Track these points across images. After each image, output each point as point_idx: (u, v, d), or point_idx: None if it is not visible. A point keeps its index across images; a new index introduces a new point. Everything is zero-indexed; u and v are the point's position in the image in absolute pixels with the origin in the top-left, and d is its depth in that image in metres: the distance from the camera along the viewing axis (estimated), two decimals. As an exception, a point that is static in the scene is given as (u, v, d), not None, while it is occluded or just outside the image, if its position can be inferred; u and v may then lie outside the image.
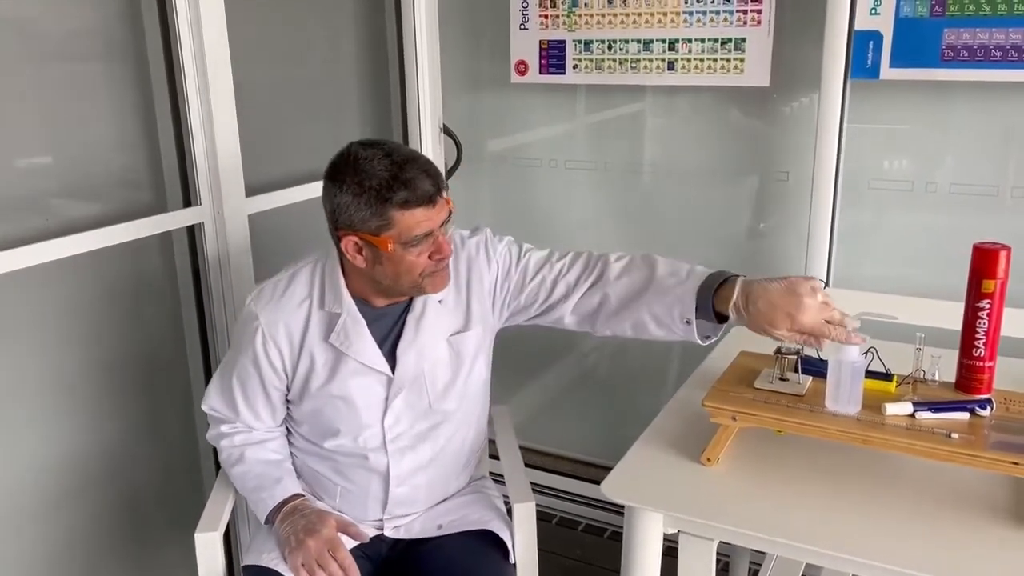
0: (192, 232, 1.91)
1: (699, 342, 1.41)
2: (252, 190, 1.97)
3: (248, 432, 1.59)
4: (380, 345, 1.50)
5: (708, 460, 1.37)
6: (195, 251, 1.93)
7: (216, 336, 1.95)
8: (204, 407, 1.61)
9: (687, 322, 1.37)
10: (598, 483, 2.59)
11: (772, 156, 2.22)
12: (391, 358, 1.51)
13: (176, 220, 1.84)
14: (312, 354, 1.50)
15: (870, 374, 1.38)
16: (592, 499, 2.60)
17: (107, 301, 1.81)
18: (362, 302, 1.50)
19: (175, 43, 1.78)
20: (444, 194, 1.39)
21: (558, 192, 2.53)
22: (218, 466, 1.99)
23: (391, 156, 1.34)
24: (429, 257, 1.39)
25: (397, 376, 1.50)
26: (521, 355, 2.63)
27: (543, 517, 2.63)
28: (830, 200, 2.05)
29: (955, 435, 1.22)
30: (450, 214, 1.41)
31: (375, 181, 1.32)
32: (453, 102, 2.57)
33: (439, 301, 1.51)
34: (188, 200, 1.88)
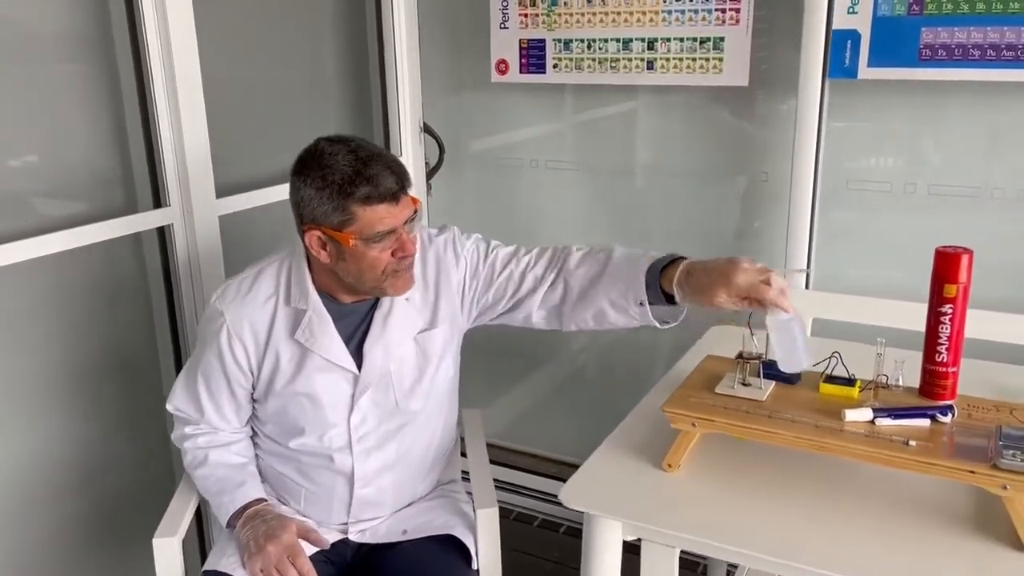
0: (162, 233, 1.90)
1: (657, 325, 1.40)
2: (225, 190, 1.96)
3: (213, 434, 1.58)
4: (347, 342, 1.49)
5: (669, 466, 1.36)
6: (166, 252, 1.92)
7: (187, 338, 1.94)
8: (169, 407, 1.60)
9: (640, 304, 1.37)
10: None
11: (753, 156, 2.20)
12: (357, 356, 1.49)
13: (145, 221, 1.83)
14: (278, 351, 1.48)
15: (833, 379, 1.36)
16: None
17: (76, 302, 1.80)
18: (328, 298, 1.48)
19: (141, 39, 1.77)
20: (408, 192, 1.39)
21: (541, 192, 2.51)
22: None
23: (356, 152, 1.35)
24: (392, 255, 1.38)
25: (363, 373, 1.49)
26: (503, 355, 2.62)
27: (523, 519, 2.62)
28: (809, 201, 2.03)
29: (913, 442, 1.20)
30: (415, 213, 1.40)
31: (338, 176, 1.33)
32: (434, 101, 2.55)
33: (406, 299, 1.50)
34: (158, 201, 1.87)
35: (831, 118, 2.02)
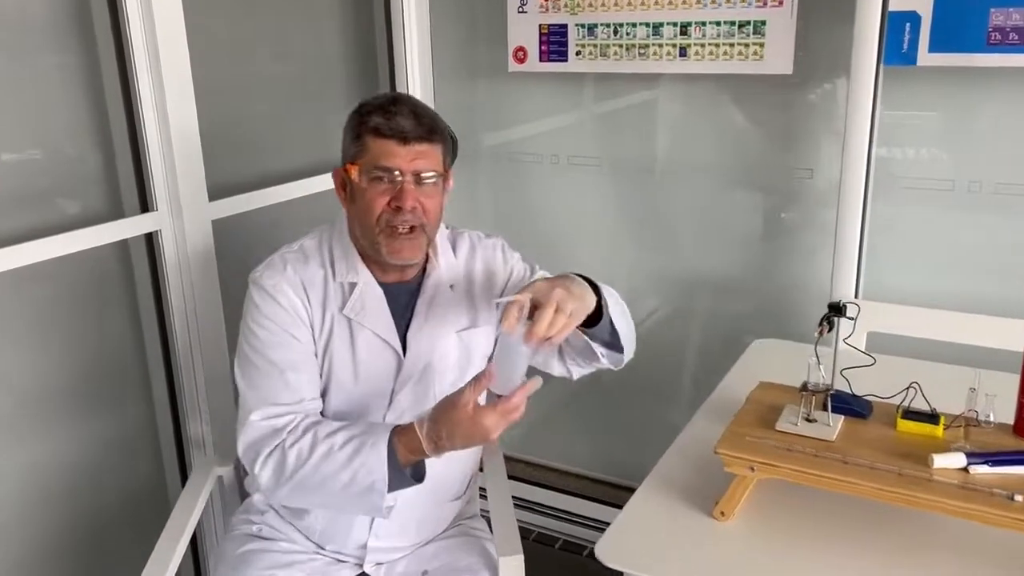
0: (150, 240, 1.73)
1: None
2: (219, 193, 1.78)
3: (309, 416, 1.33)
4: None
5: (722, 514, 1.18)
6: (154, 261, 1.75)
7: (178, 351, 1.76)
8: (255, 417, 1.30)
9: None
10: (607, 503, 2.42)
11: (794, 151, 2.02)
12: (401, 343, 1.39)
13: (129, 228, 1.66)
14: (333, 322, 1.36)
15: (913, 415, 1.18)
16: (600, 521, 2.41)
17: (55, 317, 1.64)
18: (370, 275, 1.39)
19: (124, 28, 1.59)
20: (431, 149, 1.31)
21: (560, 190, 2.34)
22: (184, 474, 1.83)
23: (394, 95, 1.36)
24: (389, 203, 1.30)
25: (407, 361, 1.39)
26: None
27: (543, 540, 2.45)
28: (860, 201, 1.85)
29: (1020, 497, 1.01)
30: (434, 176, 1.32)
31: (365, 108, 1.32)
32: (446, 92, 2.38)
33: (451, 286, 1.42)
34: (145, 205, 1.70)
35: (885, 109, 1.83)
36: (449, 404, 1.21)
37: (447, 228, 1.50)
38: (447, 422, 1.20)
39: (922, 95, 1.84)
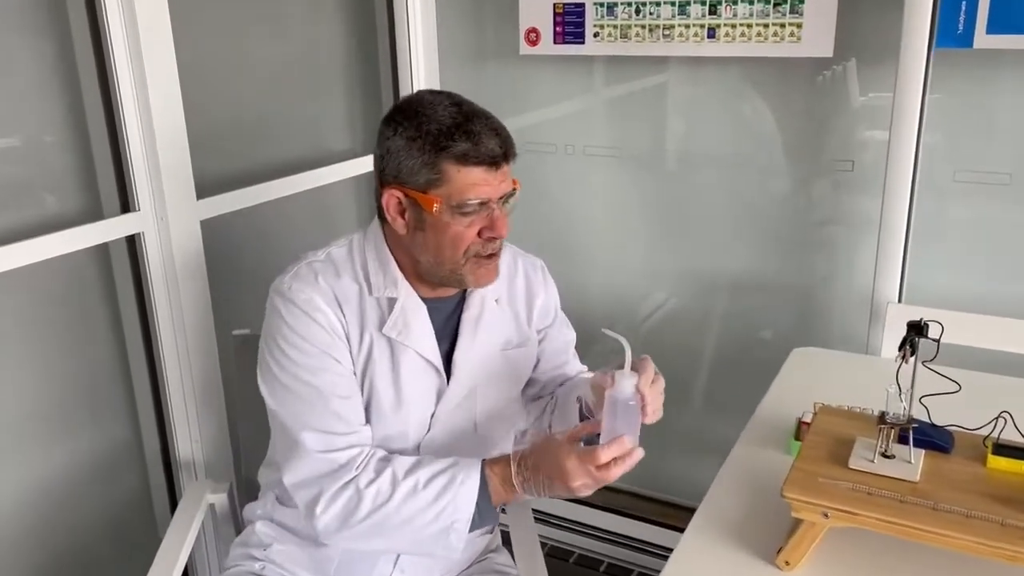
0: (133, 243, 1.57)
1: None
2: (208, 190, 1.62)
3: (367, 446, 1.20)
4: None
5: (787, 564, 1.04)
6: (138, 265, 1.59)
7: (165, 365, 1.61)
8: (312, 447, 1.16)
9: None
10: (624, 514, 2.28)
11: (834, 142, 1.87)
12: (445, 364, 1.26)
13: (109, 230, 1.50)
14: (372, 341, 1.21)
15: (1005, 449, 1.04)
16: (615, 533, 2.28)
17: (33, 326, 1.49)
18: (411, 289, 1.25)
19: (100, 8, 1.43)
20: (511, 164, 1.18)
21: (577, 183, 2.19)
22: (174, 503, 1.68)
23: (460, 106, 1.16)
24: (479, 234, 1.16)
25: (454, 382, 1.26)
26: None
27: (557, 555, 2.32)
28: (907, 196, 1.70)
29: None
30: (515, 191, 1.19)
31: (435, 126, 1.13)
32: (452, 77, 2.21)
33: (496, 300, 1.30)
34: (127, 205, 1.54)
35: (937, 96, 1.68)
36: (546, 438, 1.17)
37: None
38: (537, 454, 1.13)
39: (977, 81, 1.69)
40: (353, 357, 1.20)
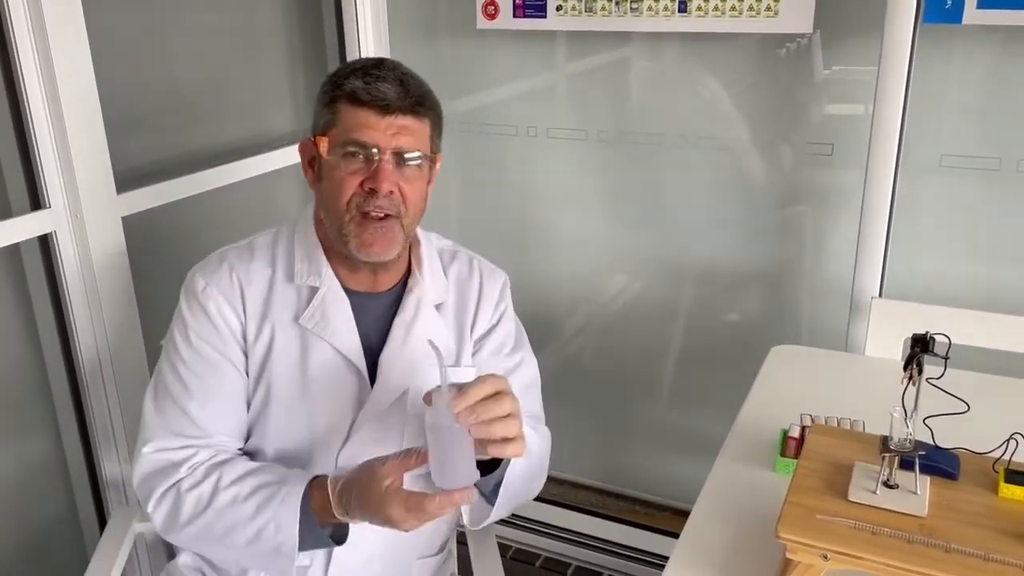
0: (45, 243, 1.40)
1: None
2: (131, 182, 1.46)
3: (215, 450, 1.14)
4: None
5: (780, 607, 0.93)
6: (52, 267, 1.42)
7: (86, 375, 1.45)
8: (147, 450, 1.12)
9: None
10: (593, 513, 2.18)
11: (812, 124, 1.77)
12: (370, 367, 1.16)
13: (16, 231, 1.33)
14: (274, 330, 1.14)
15: (1019, 476, 0.94)
16: (584, 534, 2.18)
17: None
18: (335, 279, 1.18)
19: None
20: (418, 123, 1.11)
21: (538, 167, 2.06)
22: (102, 521, 1.54)
23: (379, 58, 1.15)
24: (362, 184, 1.09)
25: (377, 388, 1.16)
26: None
27: (522, 558, 2.21)
28: (890, 181, 1.60)
29: None
30: (419, 157, 1.11)
31: (341, 70, 1.13)
32: (403, 53, 2.06)
33: (436, 306, 1.21)
34: (37, 202, 1.37)
35: (921, 76, 1.57)
36: (369, 468, 1.02)
37: (446, 240, 1.27)
38: (359, 488, 1.01)
39: (965, 59, 1.59)
40: (247, 350, 1.14)
